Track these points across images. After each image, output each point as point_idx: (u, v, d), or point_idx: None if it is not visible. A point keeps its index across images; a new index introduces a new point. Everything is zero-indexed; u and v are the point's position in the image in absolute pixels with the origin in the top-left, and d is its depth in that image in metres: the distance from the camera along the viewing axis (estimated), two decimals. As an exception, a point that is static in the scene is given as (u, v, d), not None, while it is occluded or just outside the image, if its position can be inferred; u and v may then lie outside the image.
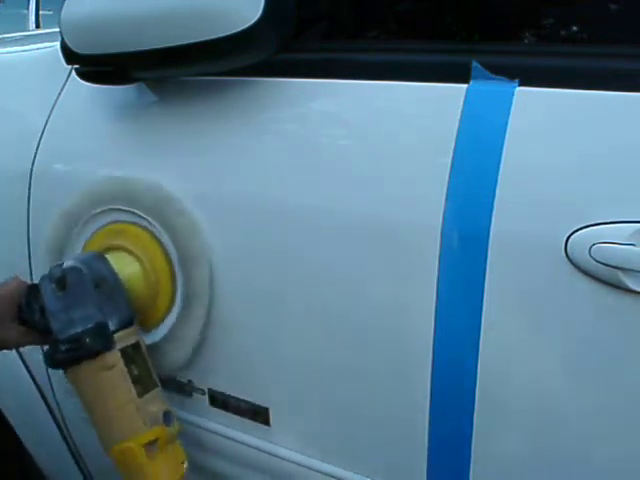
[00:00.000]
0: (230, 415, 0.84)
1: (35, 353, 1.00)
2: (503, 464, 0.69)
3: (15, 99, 1.04)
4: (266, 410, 0.81)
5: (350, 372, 0.75)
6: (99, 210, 0.86)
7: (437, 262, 0.66)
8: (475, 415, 0.68)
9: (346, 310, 0.74)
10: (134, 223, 0.84)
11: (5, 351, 0.99)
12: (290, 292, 0.76)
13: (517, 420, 0.67)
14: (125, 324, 0.79)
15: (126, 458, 0.77)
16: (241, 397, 0.83)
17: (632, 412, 0.62)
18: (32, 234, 0.95)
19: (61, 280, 0.77)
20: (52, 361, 0.79)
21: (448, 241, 0.66)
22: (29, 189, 0.94)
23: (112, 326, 0.77)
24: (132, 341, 0.79)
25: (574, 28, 0.87)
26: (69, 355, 0.77)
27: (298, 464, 0.81)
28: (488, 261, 0.64)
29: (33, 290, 0.80)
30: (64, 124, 0.94)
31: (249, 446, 0.84)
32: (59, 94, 0.95)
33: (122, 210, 0.84)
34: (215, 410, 0.86)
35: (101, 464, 1.09)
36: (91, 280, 0.77)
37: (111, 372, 0.77)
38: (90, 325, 0.76)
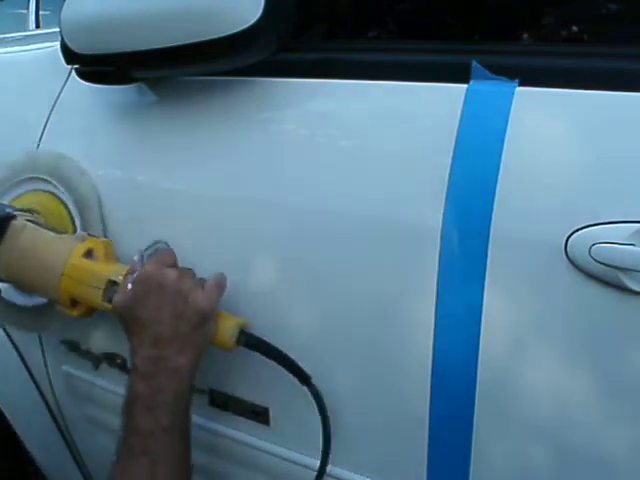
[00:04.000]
0: (230, 415, 0.84)
1: (35, 353, 1.00)
2: (503, 463, 0.69)
3: (15, 99, 1.04)
4: (266, 410, 0.81)
5: (350, 371, 0.75)
6: (19, 179, 0.92)
7: (437, 262, 0.66)
8: (475, 414, 0.68)
9: (345, 310, 0.74)
10: (46, 191, 0.90)
11: (5, 351, 0.99)
12: (290, 292, 0.76)
13: (517, 420, 0.67)
14: (21, 211, 0.84)
15: (74, 275, 0.78)
16: (241, 397, 0.83)
17: (632, 412, 0.62)
18: (32, 234, 0.95)
19: None
20: None
21: (448, 241, 0.66)
22: (29, 189, 0.94)
23: (9, 210, 0.82)
24: (31, 218, 0.83)
25: (574, 28, 0.87)
26: None
27: (298, 464, 0.81)
28: (488, 261, 0.64)
29: None
30: (64, 124, 0.94)
31: (249, 446, 0.84)
32: (59, 94, 0.95)
33: (32, 178, 0.91)
34: (215, 410, 0.86)
35: (101, 464, 1.09)
36: None
37: (24, 231, 0.80)
38: None
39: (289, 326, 0.77)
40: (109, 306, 0.76)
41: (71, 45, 0.80)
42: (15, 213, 0.82)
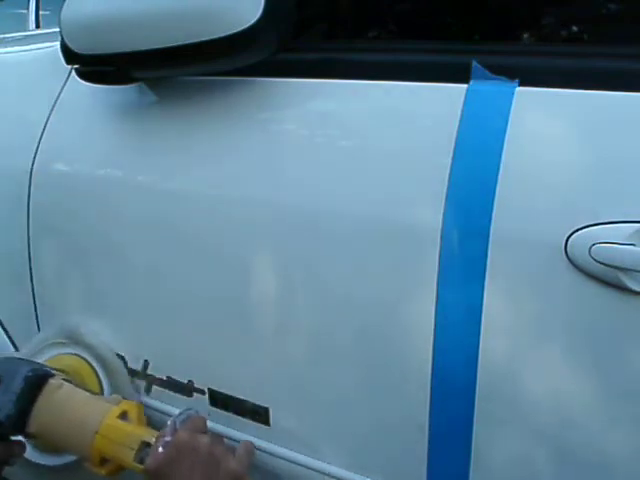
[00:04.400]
0: (230, 415, 0.84)
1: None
2: (503, 463, 0.69)
3: (15, 99, 1.04)
4: (266, 410, 0.81)
5: (350, 372, 0.75)
6: (50, 342, 0.95)
7: (437, 262, 0.66)
8: (475, 414, 0.68)
9: (345, 310, 0.74)
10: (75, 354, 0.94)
11: (5, 352, 0.99)
12: (289, 292, 0.76)
13: (517, 420, 0.67)
14: (56, 369, 0.86)
15: (109, 435, 0.79)
16: (241, 397, 0.83)
17: (632, 412, 0.62)
18: (32, 234, 0.95)
19: None
20: (11, 419, 0.80)
21: (448, 241, 0.66)
22: (29, 189, 0.94)
23: (47, 368, 0.85)
24: (67, 379, 0.86)
25: (574, 28, 0.88)
26: (23, 397, 0.80)
27: (298, 464, 0.81)
28: (488, 261, 0.64)
29: None
30: (64, 124, 0.94)
31: (249, 446, 0.84)
32: (59, 94, 0.95)
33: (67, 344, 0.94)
34: (215, 410, 0.86)
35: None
36: (18, 359, 0.86)
37: (62, 389, 0.82)
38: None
39: (289, 326, 0.77)
40: (140, 466, 0.77)
41: (71, 45, 0.80)
42: (53, 372, 0.84)
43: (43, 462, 0.94)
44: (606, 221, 0.59)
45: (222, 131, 0.81)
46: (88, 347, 0.93)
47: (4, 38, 1.50)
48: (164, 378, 0.88)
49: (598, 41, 0.85)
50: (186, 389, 0.87)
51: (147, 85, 0.87)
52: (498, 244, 0.64)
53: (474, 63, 0.67)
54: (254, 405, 0.81)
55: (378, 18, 0.95)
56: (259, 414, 0.81)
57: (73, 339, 0.94)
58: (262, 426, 0.82)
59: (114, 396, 0.87)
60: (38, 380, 0.81)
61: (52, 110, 0.95)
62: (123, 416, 0.81)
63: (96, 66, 0.81)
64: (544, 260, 0.62)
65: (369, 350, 0.73)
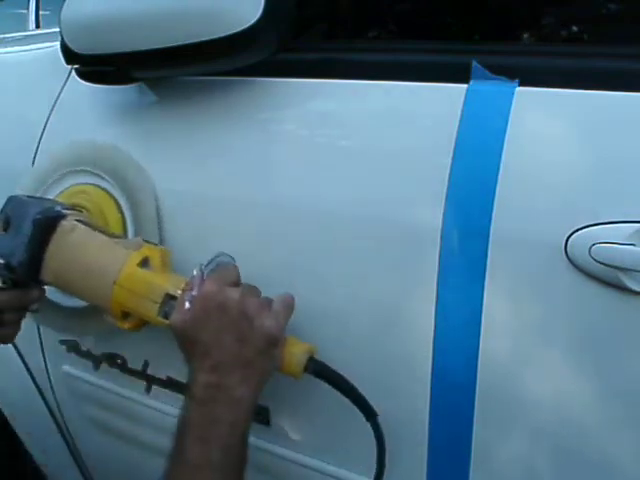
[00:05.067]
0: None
1: (35, 353, 1.00)
2: (503, 463, 0.69)
3: (15, 99, 1.04)
4: (266, 410, 0.81)
5: (350, 372, 0.75)
6: (64, 171, 0.88)
7: (437, 262, 0.66)
8: (475, 414, 0.68)
9: (345, 310, 0.74)
10: (94, 184, 0.86)
11: (5, 351, 0.99)
12: (290, 292, 0.76)
13: (517, 420, 0.67)
14: (71, 209, 0.78)
15: (129, 285, 0.71)
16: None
17: (632, 412, 0.62)
18: (32, 234, 0.95)
19: (5, 221, 0.75)
20: (23, 266, 0.74)
21: (448, 241, 0.66)
22: (29, 189, 0.94)
23: (59, 208, 0.77)
24: (82, 218, 0.78)
25: (574, 28, 0.88)
26: (33, 243, 0.73)
27: (298, 464, 0.81)
28: (488, 261, 0.64)
29: None
30: (64, 124, 0.94)
31: (249, 446, 0.84)
32: (59, 94, 0.95)
33: (79, 171, 0.87)
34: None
35: (101, 464, 1.09)
36: (25, 197, 0.77)
37: (74, 232, 0.74)
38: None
39: (288, 325, 0.77)
40: (165, 322, 0.70)
41: (71, 45, 0.80)
42: (65, 212, 0.76)
43: (67, 304, 0.87)
44: (606, 221, 0.59)
45: (222, 131, 0.81)
46: (111, 173, 0.83)
47: (4, 38, 1.50)
48: (164, 378, 0.88)
49: (598, 41, 0.85)
50: (186, 389, 0.87)
51: (147, 85, 0.87)
52: (498, 244, 0.64)
53: (474, 63, 0.67)
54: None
55: (378, 18, 0.95)
56: (259, 414, 0.81)
57: (93, 164, 0.84)
58: (262, 426, 0.82)
59: (135, 239, 0.77)
60: (48, 223, 0.74)
61: (52, 110, 0.95)
62: (145, 263, 0.73)
63: (96, 66, 0.81)
64: (544, 260, 0.62)
65: (369, 350, 0.73)
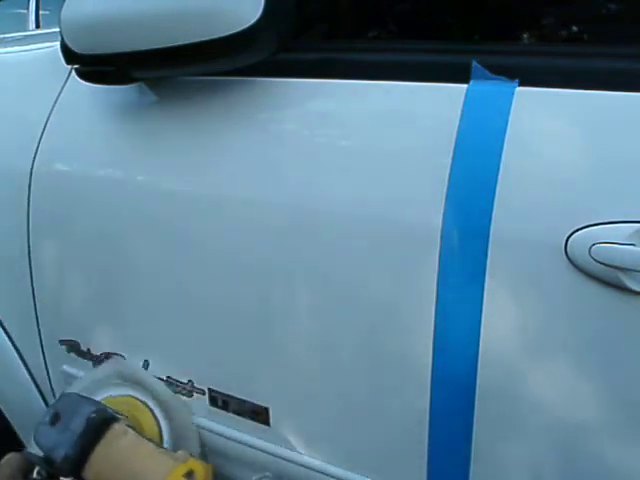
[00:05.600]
0: (230, 415, 0.84)
1: (35, 353, 1.00)
2: (503, 463, 0.69)
3: (15, 99, 1.04)
4: (266, 410, 0.81)
5: (350, 372, 0.75)
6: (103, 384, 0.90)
7: (437, 262, 0.66)
8: (475, 414, 0.68)
9: (345, 310, 0.73)
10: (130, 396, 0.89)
11: (5, 351, 0.99)
12: (289, 292, 0.76)
13: (517, 420, 0.67)
14: (119, 413, 0.81)
15: None
16: (241, 397, 0.83)
17: (632, 412, 0.62)
18: (32, 234, 0.95)
19: (54, 416, 0.78)
20: (68, 460, 0.76)
21: (448, 241, 0.66)
22: (29, 189, 0.94)
23: (111, 411, 0.80)
24: (131, 424, 0.81)
25: (574, 28, 0.88)
26: (84, 440, 0.75)
27: (298, 464, 0.81)
28: (488, 261, 0.64)
29: (31, 452, 0.80)
30: (64, 124, 0.94)
31: (249, 446, 0.84)
32: (59, 94, 0.95)
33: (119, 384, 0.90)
34: (215, 410, 0.86)
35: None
36: (78, 395, 0.81)
37: (126, 437, 0.77)
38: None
39: (289, 326, 0.77)
40: None
41: (71, 45, 0.80)
42: (118, 416, 0.79)
43: None
44: (606, 221, 0.59)
45: (222, 131, 0.81)
46: (147, 388, 0.88)
47: (4, 38, 1.50)
48: (164, 378, 0.89)
49: (598, 41, 0.85)
50: (186, 389, 0.87)
51: (147, 85, 0.87)
52: (498, 244, 0.64)
53: (474, 63, 0.67)
54: (254, 405, 0.81)
55: (378, 18, 0.95)
56: (259, 414, 0.81)
57: (129, 379, 0.89)
58: (262, 426, 0.82)
59: (181, 452, 0.81)
60: (102, 423, 0.77)
61: (52, 110, 0.95)
62: (189, 476, 0.76)
63: (96, 66, 0.81)
64: (544, 260, 0.62)
65: (369, 350, 0.73)
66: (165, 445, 0.86)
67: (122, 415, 0.83)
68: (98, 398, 0.88)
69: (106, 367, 0.92)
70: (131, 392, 0.89)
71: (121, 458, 0.76)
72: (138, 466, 0.76)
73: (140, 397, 0.89)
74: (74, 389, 0.91)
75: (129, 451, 0.77)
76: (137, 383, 0.89)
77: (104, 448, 0.76)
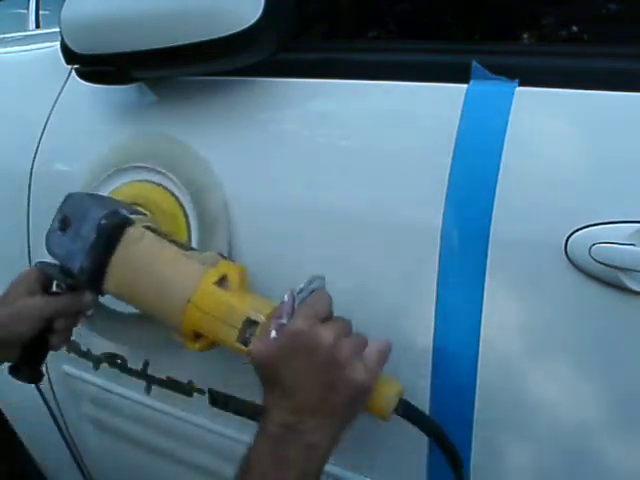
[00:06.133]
0: (230, 415, 0.84)
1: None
2: (503, 463, 0.69)
3: (15, 99, 1.04)
4: (266, 410, 0.81)
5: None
6: (118, 168, 0.83)
7: (437, 262, 0.66)
8: (475, 414, 0.68)
9: (345, 310, 0.73)
10: (152, 182, 0.80)
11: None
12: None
13: (517, 420, 0.67)
14: (136, 213, 0.72)
15: (204, 306, 0.65)
16: (241, 397, 0.83)
17: (632, 412, 0.62)
18: (32, 234, 0.95)
19: (63, 221, 0.70)
20: (85, 273, 0.68)
21: (448, 241, 0.66)
22: (29, 189, 0.94)
23: (124, 212, 0.70)
24: (150, 224, 0.71)
25: (574, 28, 0.88)
26: (97, 250, 0.67)
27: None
28: (488, 261, 0.64)
29: (46, 263, 0.74)
30: (64, 124, 0.94)
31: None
32: (59, 94, 0.95)
33: (142, 167, 0.81)
34: (215, 410, 0.86)
35: (101, 464, 1.09)
36: (85, 195, 0.72)
37: (143, 241, 0.68)
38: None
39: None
40: (244, 349, 0.64)
41: (71, 45, 0.80)
42: (131, 217, 0.69)
43: (122, 309, 0.81)
44: (606, 221, 0.59)
45: (222, 131, 0.81)
46: (176, 173, 0.76)
47: (4, 38, 1.50)
48: (164, 378, 0.88)
49: (598, 41, 0.85)
50: (186, 389, 0.87)
51: (147, 85, 0.87)
52: (498, 244, 0.64)
53: (474, 63, 0.67)
54: (254, 405, 0.81)
55: (378, 18, 0.95)
56: (259, 414, 0.81)
57: (154, 160, 0.78)
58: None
59: (210, 253, 0.70)
60: (114, 229, 0.67)
61: (52, 110, 0.95)
62: (222, 281, 0.66)
63: (96, 66, 0.81)
64: (544, 260, 0.62)
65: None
66: (193, 241, 0.75)
67: (139, 207, 0.74)
68: (114, 184, 0.79)
69: (128, 144, 0.82)
70: (157, 178, 0.78)
71: (141, 265, 0.68)
72: (161, 271, 0.67)
73: (168, 185, 0.77)
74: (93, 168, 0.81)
75: (149, 257, 0.67)
76: (169, 167, 0.77)
77: (120, 257, 0.68)
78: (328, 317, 0.64)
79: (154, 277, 0.67)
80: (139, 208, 0.76)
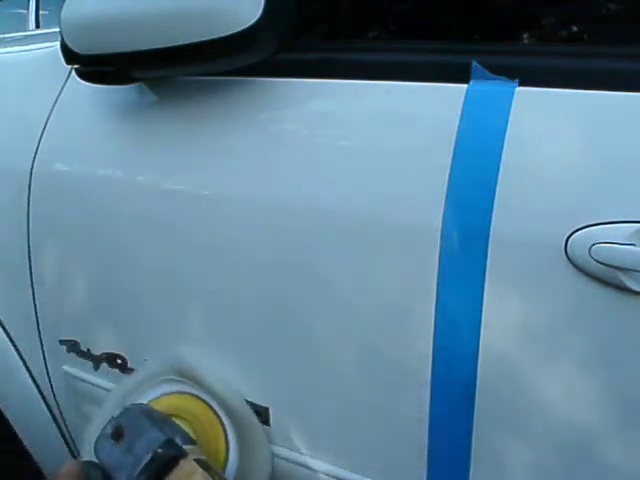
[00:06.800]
0: (230, 415, 0.84)
1: (35, 353, 1.00)
2: (503, 463, 0.69)
3: (15, 99, 1.04)
4: (266, 410, 0.81)
5: (350, 372, 0.75)
6: (160, 379, 0.85)
7: (437, 262, 0.66)
8: (475, 415, 0.68)
9: (346, 310, 0.74)
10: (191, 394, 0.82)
11: (5, 352, 0.99)
12: (290, 293, 0.76)
13: (517, 420, 0.67)
14: (188, 442, 0.74)
15: None
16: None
17: (632, 412, 0.62)
18: (32, 234, 0.95)
19: (117, 430, 0.73)
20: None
21: (448, 241, 0.66)
22: (29, 189, 0.94)
23: (179, 440, 0.73)
24: (201, 456, 0.74)
25: (574, 28, 0.88)
26: (146, 476, 0.70)
27: (298, 464, 0.81)
28: (488, 261, 0.64)
29: (90, 464, 0.75)
30: (64, 124, 0.94)
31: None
32: (59, 94, 0.95)
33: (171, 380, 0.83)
34: (215, 410, 0.86)
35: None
36: (143, 411, 0.74)
37: (194, 477, 0.70)
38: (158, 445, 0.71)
39: (288, 326, 0.77)
40: None
41: (71, 45, 0.80)
42: (185, 448, 0.71)
43: None
44: (606, 221, 0.59)
45: (222, 131, 0.81)
46: (209, 388, 0.80)
47: (4, 38, 1.50)
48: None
49: (598, 41, 0.85)
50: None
51: (147, 85, 0.87)
52: (498, 244, 0.64)
53: (474, 63, 0.67)
54: (254, 405, 0.81)
55: (378, 18, 0.95)
56: (259, 414, 0.81)
57: (189, 376, 0.81)
58: (262, 426, 0.82)
59: None
60: (168, 460, 0.70)
61: (52, 110, 0.95)
62: None
63: (96, 66, 0.81)
64: (544, 260, 0.62)
65: (369, 350, 0.73)
66: (230, 465, 0.79)
67: (179, 418, 0.77)
68: (150, 397, 0.82)
69: (157, 362, 0.84)
70: (191, 390, 0.81)
71: None
72: None
73: (203, 397, 0.81)
74: (127, 385, 0.84)
75: None
76: (199, 382, 0.81)
77: None
78: None
79: None
80: (176, 417, 0.78)
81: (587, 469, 0.65)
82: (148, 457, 0.70)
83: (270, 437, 0.82)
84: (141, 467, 0.70)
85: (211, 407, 0.81)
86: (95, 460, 0.73)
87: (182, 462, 0.70)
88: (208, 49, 0.72)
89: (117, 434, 0.73)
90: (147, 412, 0.75)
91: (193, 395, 0.82)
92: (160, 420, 0.75)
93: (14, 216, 0.96)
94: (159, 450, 0.70)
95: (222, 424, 0.80)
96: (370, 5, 0.96)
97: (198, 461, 0.71)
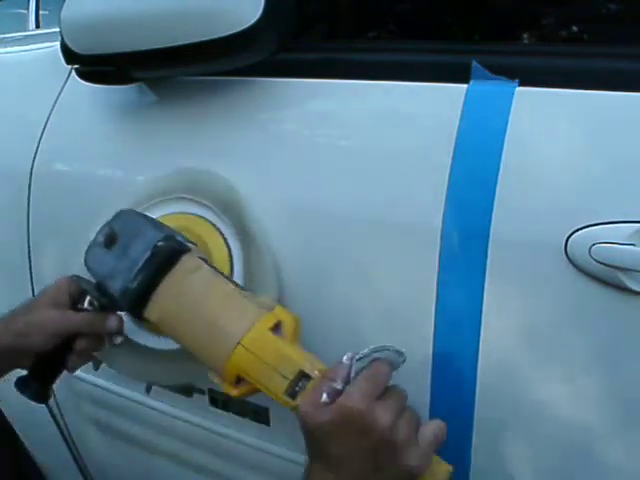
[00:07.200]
0: (230, 415, 0.84)
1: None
2: (503, 463, 0.69)
3: (15, 99, 1.04)
4: (266, 410, 0.81)
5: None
6: (159, 199, 0.79)
7: (437, 262, 0.66)
8: (475, 414, 0.68)
9: (346, 310, 0.73)
10: (200, 216, 0.77)
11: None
12: (289, 292, 0.76)
13: (517, 420, 0.67)
14: (189, 241, 0.67)
15: (256, 350, 0.60)
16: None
17: (631, 412, 0.62)
18: (32, 234, 0.95)
19: (109, 237, 0.65)
20: (127, 295, 0.63)
21: (448, 241, 0.66)
22: (29, 189, 0.94)
23: (180, 238, 0.65)
24: (205, 257, 0.67)
25: (574, 28, 0.88)
26: (147, 273, 0.62)
27: (298, 464, 0.81)
28: (488, 261, 0.64)
29: (81, 278, 0.70)
30: (64, 124, 0.94)
31: (249, 446, 0.84)
32: (59, 94, 0.95)
33: (187, 199, 0.78)
34: (215, 410, 0.86)
35: (101, 464, 1.09)
36: (138, 214, 0.67)
37: (198, 273, 0.63)
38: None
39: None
40: (291, 403, 0.60)
41: (71, 45, 0.80)
42: (189, 245, 0.65)
43: (150, 344, 0.76)
44: (606, 221, 0.59)
45: (222, 131, 0.81)
46: (222, 207, 0.73)
47: (4, 38, 1.50)
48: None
49: (598, 41, 0.85)
50: (186, 389, 0.87)
51: (147, 85, 0.87)
52: (498, 244, 0.64)
53: (474, 63, 0.67)
54: (254, 405, 0.81)
55: (378, 18, 0.95)
56: (259, 414, 0.81)
57: (201, 194, 0.74)
58: (262, 426, 0.82)
59: (266, 298, 0.66)
60: (170, 254, 0.63)
61: (52, 110, 0.95)
62: (277, 328, 0.62)
63: (96, 66, 0.81)
64: (544, 260, 0.62)
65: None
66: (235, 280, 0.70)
67: (188, 239, 0.68)
68: (157, 214, 0.75)
69: (174, 176, 0.77)
70: (202, 211, 0.74)
71: (192, 298, 0.63)
72: (214, 310, 0.63)
73: (214, 220, 0.74)
74: (135, 196, 0.77)
75: (202, 290, 0.63)
76: (211, 200, 0.74)
77: (170, 285, 0.63)
78: (385, 391, 0.60)
79: (204, 312, 0.63)
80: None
81: (587, 469, 0.65)
82: (147, 255, 0.62)
83: (270, 437, 0.82)
84: (138, 267, 0.62)
85: (219, 229, 0.74)
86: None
87: (185, 257, 0.63)
88: (208, 49, 0.72)
89: (110, 240, 0.65)
90: (143, 214, 0.67)
91: (200, 217, 0.75)
92: (159, 222, 0.67)
93: (14, 216, 0.96)
94: (159, 243, 0.62)
95: (227, 243, 0.73)
96: (370, 5, 0.96)
97: (202, 259, 0.65)
